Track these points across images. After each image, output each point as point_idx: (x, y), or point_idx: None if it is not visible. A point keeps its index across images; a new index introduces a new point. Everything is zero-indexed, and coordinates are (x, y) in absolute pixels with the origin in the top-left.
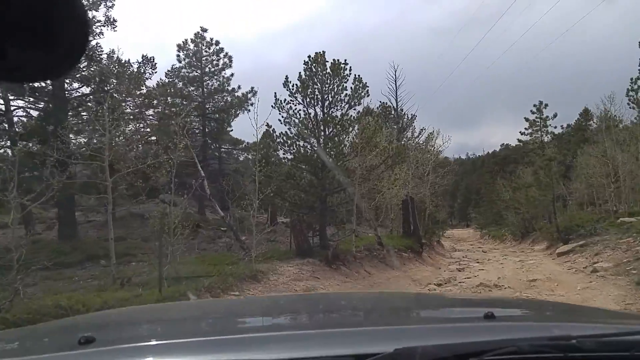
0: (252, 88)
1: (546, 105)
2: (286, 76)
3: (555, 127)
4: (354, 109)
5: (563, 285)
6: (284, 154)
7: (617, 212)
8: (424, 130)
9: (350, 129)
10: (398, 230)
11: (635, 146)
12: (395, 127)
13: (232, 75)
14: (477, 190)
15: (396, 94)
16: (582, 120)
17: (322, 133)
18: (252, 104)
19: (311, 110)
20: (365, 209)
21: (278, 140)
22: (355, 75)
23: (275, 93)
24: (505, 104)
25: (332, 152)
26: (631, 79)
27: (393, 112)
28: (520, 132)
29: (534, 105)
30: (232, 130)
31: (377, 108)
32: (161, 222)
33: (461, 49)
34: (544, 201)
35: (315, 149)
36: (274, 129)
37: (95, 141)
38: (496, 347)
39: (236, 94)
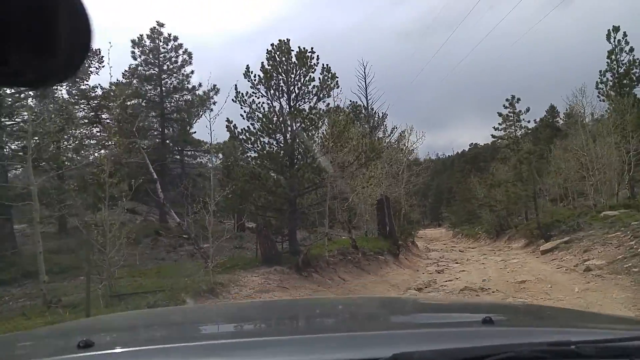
0: (215, 86)
1: (518, 99)
2: (247, 66)
3: (529, 122)
4: (323, 101)
5: (558, 288)
6: (246, 152)
7: (596, 206)
8: (395, 129)
9: (320, 123)
10: (373, 232)
11: (611, 138)
12: (366, 126)
13: (192, 72)
14: (449, 189)
15: (366, 92)
16: (549, 117)
17: (289, 128)
18: (214, 103)
19: (276, 104)
20: (338, 210)
21: (241, 137)
22: (323, 65)
23: (236, 85)
24: (472, 105)
25: (300, 149)
26: (600, 71)
27: (363, 110)
28: (493, 128)
29: (507, 100)
30: (194, 132)
31: (347, 107)
32: (88, 232)
33: (428, 52)
34: (524, 197)
35: (282, 145)
36: (235, 124)
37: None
38: (495, 352)
39: (197, 92)
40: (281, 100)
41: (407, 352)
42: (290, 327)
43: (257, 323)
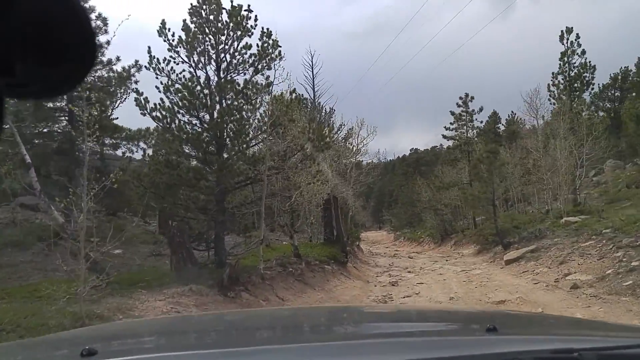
0: (137, 62)
1: (472, 98)
2: (162, 20)
3: (482, 122)
4: (262, 74)
5: (551, 312)
6: (159, 132)
7: (548, 212)
8: (343, 126)
9: (258, 101)
10: (319, 236)
11: (561, 141)
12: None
13: (108, 42)
14: (390, 192)
15: (313, 83)
16: (491, 123)
17: (218, 105)
18: (137, 82)
19: (201, 73)
20: (278, 211)
21: (153, 114)
22: (263, 29)
23: (149, 47)
24: (413, 111)
25: (232, 132)
26: (552, 73)
27: (310, 103)
28: (445, 127)
29: (460, 98)
30: (116, 118)
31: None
32: None
33: (373, 55)
34: (483, 199)
35: (207, 127)
36: (146, 97)
37: None
38: None
39: (114, 66)
40: (208, 68)
41: None
42: (295, 336)
43: (260, 331)
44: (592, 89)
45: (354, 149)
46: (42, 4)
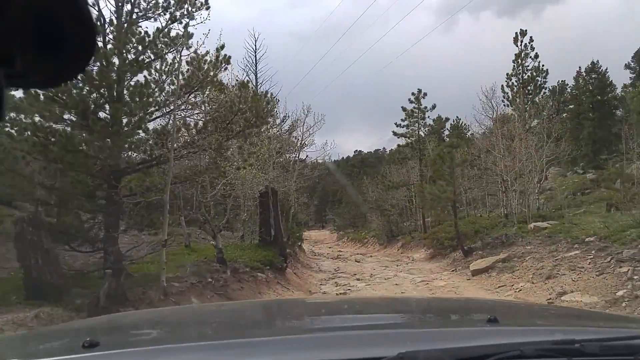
0: None
1: (425, 94)
2: None
3: (433, 120)
4: (180, 22)
5: None
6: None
7: (507, 216)
8: (287, 117)
9: (173, 56)
10: (254, 236)
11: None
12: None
13: None
14: (334, 192)
15: (256, 69)
16: (436, 127)
17: (114, 59)
18: None
19: (93, 10)
20: (198, 203)
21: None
22: None
23: None
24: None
25: (134, 94)
26: (507, 74)
27: (252, 89)
28: (395, 124)
29: (413, 94)
30: None
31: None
32: None
33: (319, 57)
34: (443, 199)
35: (97, 84)
36: None
37: None
38: (500, 351)
39: None
40: (102, 4)
41: (412, 351)
42: (296, 326)
43: (262, 322)
44: (545, 93)
45: (299, 141)
46: None
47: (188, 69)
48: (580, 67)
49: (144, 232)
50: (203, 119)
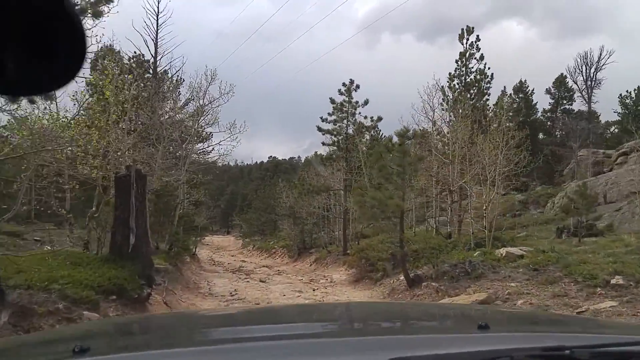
0: None
1: (357, 86)
2: None
3: (365, 117)
4: None
5: None
6: None
7: (451, 235)
8: (190, 100)
9: None
10: (104, 243)
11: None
12: (149, 83)
13: None
14: (244, 196)
15: (156, 37)
16: (369, 125)
17: None
18: None
19: None
20: None
21: None
22: None
23: None
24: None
25: None
26: (449, 74)
27: (150, 65)
28: (321, 119)
29: (343, 85)
30: None
31: (130, 60)
32: None
33: (241, 59)
34: (392, 205)
35: None
36: None
37: None
38: (490, 358)
39: None
40: None
41: (403, 357)
42: (286, 332)
43: (253, 328)
44: (488, 99)
45: (199, 114)
46: (33, 3)
47: None
48: (505, 87)
49: None
50: None
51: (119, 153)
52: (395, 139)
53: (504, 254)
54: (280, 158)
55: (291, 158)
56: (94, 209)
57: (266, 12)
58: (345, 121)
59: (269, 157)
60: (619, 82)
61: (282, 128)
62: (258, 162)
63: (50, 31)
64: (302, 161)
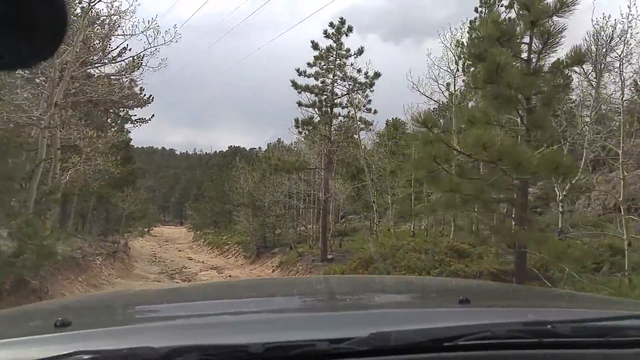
0: None
1: (350, 28)
2: None
3: (360, 72)
4: None
5: None
6: None
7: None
8: (125, 51)
9: None
10: None
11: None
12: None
13: None
14: (199, 185)
15: None
16: (366, 82)
17: None
18: None
19: None
20: None
21: None
22: None
23: None
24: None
25: None
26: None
27: None
28: (298, 72)
29: (330, 25)
30: None
31: None
32: None
33: (204, 51)
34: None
35: None
36: None
37: None
38: (471, 332)
39: None
40: None
41: (384, 332)
42: (268, 307)
43: (234, 302)
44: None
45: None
46: None
47: None
48: None
49: None
50: None
51: None
52: None
53: None
54: (241, 147)
55: (252, 149)
56: None
57: (230, 6)
58: (331, 75)
59: (229, 146)
60: None
61: (244, 120)
62: (218, 152)
63: (29, 4)
64: (263, 152)
